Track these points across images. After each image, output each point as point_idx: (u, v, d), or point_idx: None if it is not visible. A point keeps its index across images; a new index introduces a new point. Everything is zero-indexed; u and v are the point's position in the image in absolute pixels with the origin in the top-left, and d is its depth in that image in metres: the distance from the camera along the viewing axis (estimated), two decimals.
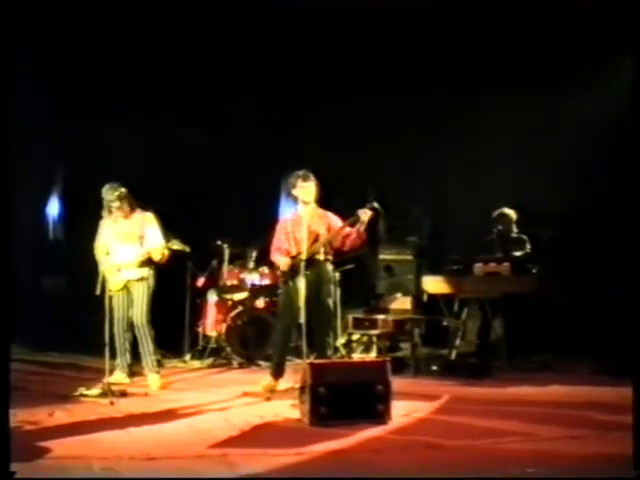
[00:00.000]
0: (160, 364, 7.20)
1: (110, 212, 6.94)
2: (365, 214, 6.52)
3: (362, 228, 6.59)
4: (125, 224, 7.06)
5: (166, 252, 6.98)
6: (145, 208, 7.17)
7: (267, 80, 9.89)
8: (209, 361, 8.56)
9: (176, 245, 6.95)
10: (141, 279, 7.01)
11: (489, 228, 8.61)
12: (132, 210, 7.08)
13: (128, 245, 7.03)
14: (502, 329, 8.13)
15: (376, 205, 6.56)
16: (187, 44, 9.40)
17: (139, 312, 7.00)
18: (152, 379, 7.01)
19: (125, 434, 5.16)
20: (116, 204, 6.91)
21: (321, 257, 6.68)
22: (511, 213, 8.59)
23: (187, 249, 7.07)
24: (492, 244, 8.50)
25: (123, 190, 6.94)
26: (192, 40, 9.36)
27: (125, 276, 7.01)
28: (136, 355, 7.14)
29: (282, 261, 6.80)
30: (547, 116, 9.07)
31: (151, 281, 7.06)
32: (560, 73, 8.94)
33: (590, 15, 8.26)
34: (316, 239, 6.73)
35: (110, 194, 6.91)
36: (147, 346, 7.02)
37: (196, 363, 8.55)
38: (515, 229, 8.60)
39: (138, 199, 7.15)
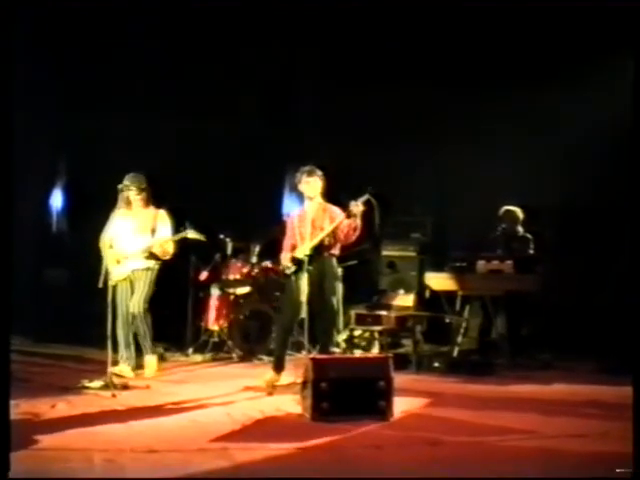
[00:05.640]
0: (163, 358, 7.20)
1: (129, 203, 6.96)
2: (356, 207, 6.47)
3: (357, 221, 6.54)
4: (139, 216, 7.10)
5: (169, 248, 7.00)
6: (159, 204, 7.19)
7: (272, 75, 9.90)
8: (211, 355, 8.56)
9: (192, 234, 6.97)
10: (147, 269, 7.06)
11: (492, 226, 8.58)
12: (148, 203, 7.12)
13: (139, 236, 7.06)
14: (504, 327, 8.12)
15: (368, 197, 6.48)
16: (196, 36, 9.40)
17: (136, 300, 7.02)
18: (149, 360, 7.06)
19: (127, 427, 5.17)
20: (139, 196, 6.96)
21: (325, 252, 6.67)
22: (517, 211, 8.52)
23: (203, 238, 7.07)
24: (496, 242, 8.47)
25: (143, 183, 6.98)
26: (201, 32, 9.36)
27: (131, 266, 7.04)
28: (139, 347, 7.16)
29: (284, 256, 6.81)
30: (549, 114, 9.02)
31: (155, 271, 7.09)
32: (563, 71, 8.89)
33: (592, 14, 8.26)
34: None
35: (132, 184, 6.94)
36: (143, 331, 7.04)
37: (198, 357, 8.54)
38: (520, 228, 8.56)
39: (153, 194, 7.19)
